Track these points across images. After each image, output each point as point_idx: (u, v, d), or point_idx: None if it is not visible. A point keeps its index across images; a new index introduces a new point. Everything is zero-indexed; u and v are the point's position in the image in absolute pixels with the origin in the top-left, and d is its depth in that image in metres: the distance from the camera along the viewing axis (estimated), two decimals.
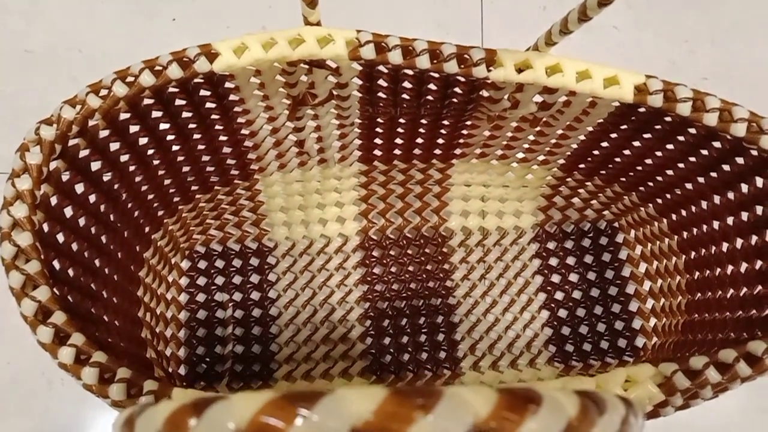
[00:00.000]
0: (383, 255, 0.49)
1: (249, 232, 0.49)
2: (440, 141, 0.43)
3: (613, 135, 0.38)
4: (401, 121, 0.40)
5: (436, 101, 0.36)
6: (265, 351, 0.46)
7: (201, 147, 0.39)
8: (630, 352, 0.47)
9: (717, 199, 0.37)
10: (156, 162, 0.38)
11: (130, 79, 0.30)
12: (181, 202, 0.44)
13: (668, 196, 0.41)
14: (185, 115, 0.35)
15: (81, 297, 0.32)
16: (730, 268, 0.37)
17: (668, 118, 0.33)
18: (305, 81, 0.35)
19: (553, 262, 0.49)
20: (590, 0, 0.26)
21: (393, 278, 0.48)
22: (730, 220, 0.36)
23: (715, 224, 0.38)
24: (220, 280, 0.48)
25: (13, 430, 0.48)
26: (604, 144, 0.40)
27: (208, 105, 0.35)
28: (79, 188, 0.33)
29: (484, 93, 0.34)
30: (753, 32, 0.61)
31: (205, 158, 0.41)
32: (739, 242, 0.36)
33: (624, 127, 0.37)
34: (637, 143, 0.38)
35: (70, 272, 0.31)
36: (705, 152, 0.35)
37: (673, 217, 0.42)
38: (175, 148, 0.38)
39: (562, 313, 0.48)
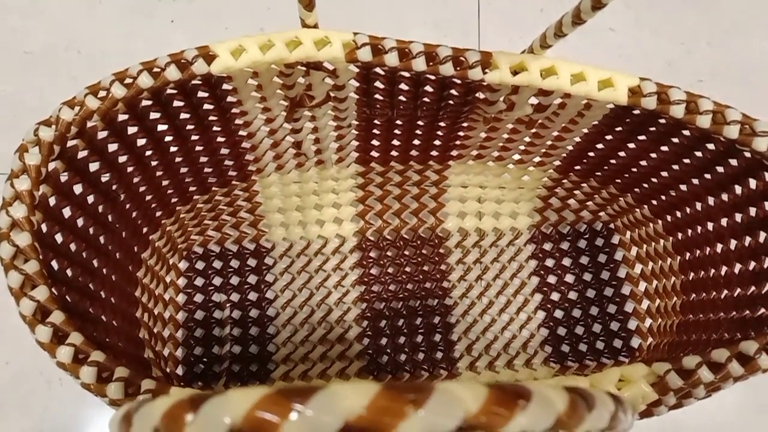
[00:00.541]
0: (380, 256, 0.49)
1: (246, 233, 0.49)
2: (437, 142, 0.43)
3: (608, 137, 0.38)
4: (398, 122, 0.40)
5: (433, 103, 0.36)
6: (263, 351, 0.46)
7: (199, 148, 0.39)
8: (626, 352, 0.47)
9: (711, 200, 0.37)
10: (154, 163, 0.38)
11: (128, 80, 0.30)
12: (179, 202, 0.44)
13: (663, 197, 0.42)
14: (183, 116, 0.36)
15: (79, 297, 0.32)
16: (724, 269, 0.37)
17: (662, 120, 0.34)
18: (302, 83, 0.35)
19: (550, 263, 0.49)
20: (584, 3, 0.26)
21: (390, 279, 0.49)
22: (724, 222, 0.37)
23: (710, 225, 0.38)
24: (217, 281, 0.48)
25: (12, 429, 0.48)
26: (600, 146, 0.40)
27: (206, 106, 0.35)
28: (78, 189, 0.33)
29: (480, 95, 0.35)
30: (749, 33, 0.61)
31: (203, 159, 0.41)
32: (732, 243, 0.36)
33: (619, 129, 0.37)
34: (632, 145, 0.38)
35: (69, 272, 0.32)
36: (699, 154, 0.35)
37: (668, 218, 0.43)
38: (173, 149, 0.38)
39: (558, 313, 0.48)
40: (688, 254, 0.41)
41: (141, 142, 0.36)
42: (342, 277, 0.49)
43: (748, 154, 0.32)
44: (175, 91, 0.33)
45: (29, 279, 0.27)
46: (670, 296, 0.43)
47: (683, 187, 0.39)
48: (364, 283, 0.48)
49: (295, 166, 0.45)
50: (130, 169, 0.37)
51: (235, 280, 0.48)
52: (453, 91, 0.35)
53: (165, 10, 0.61)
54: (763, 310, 0.33)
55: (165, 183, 0.41)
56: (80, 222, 0.34)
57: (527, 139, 0.42)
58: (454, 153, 0.45)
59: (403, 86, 0.35)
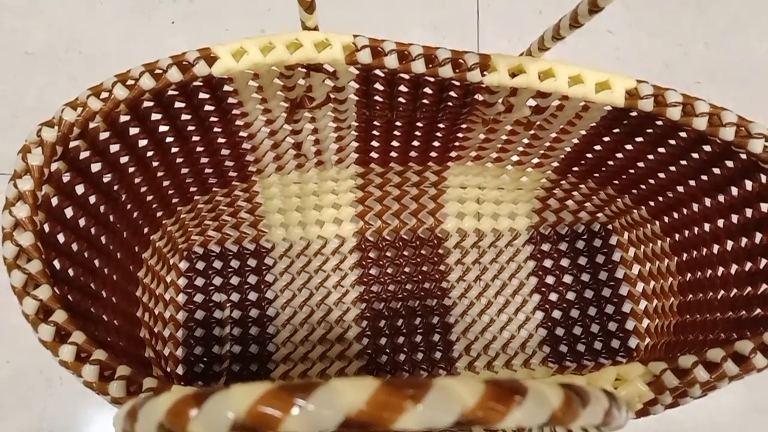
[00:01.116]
0: (380, 256, 0.50)
1: (247, 233, 0.49)
2: (436, 144, 0.43)
3: (606, 138, 0.39)
4: (397, 124, 0.40)
5: (432, 105, 0.37)
6: (263, 351, 0.47)
7: (200, 149, 0.40)
8: (623, 352, 0.47)
9: (708, 201, 0.38)
10: (155, 164, 0.39)
11: (130, 82, 0.31)
12: (180, 203, 0.44)
13: (660, 198, 0.42)
14: (184, 117, 0.36)
15: (81, 296, 0.32)
16: (720, 270, 0.37)
17: (659, 122, 0.34)
18: (303, 84, 0.36)
19: (548, 263, 0.50)
20: (581, 6, 0.26)
21: (389, 279, 0.49)
22: (720, 223, 0.37)
23: (707, 226, 0.38)
24: (218, 281, 0.48)
25: (12, 428, 0.48)
26: (597, 147, 0.40)
27: (207, 108, 0.36)
28: (80, 189, 0.33)
29: (479, 97, 0.35)
30: (746, 34, 0.61)
31: (204, 160, 0.41)
32: (729, 244, 0.37)
33: (616, 130, 0.37)
34: (629, 146, 0.39)
35: (71, 272, 0.32)
36: (696, 156, 0.36)
37: (666, 219, 0.43)
38: (174, 150, 0.39)
39: (557, 314, 0.48)
40: (685, 255, 0.42)
41: (142, 143, 0.36)
42: (341, 277, 0.49)
43: (743, 156, 0.32)
44: (176, 93, 0.33)
45: (32, 278, 0.27)
46: (667, 297, 0.44)
47: (680, 189, 0.39)
48: (363, 283, 0.49)
49: (295, 167, 0.46)
50: (131, 169, 0.37)
51: (235, 280, 0.49)
52: (452, 93, 0.35)
53: (165, 11, 0.61)
54: (759, 310, 0.33)
55: (166, 183, 0.41)
56: (82, 222, 0.34)
57: (526, 141, 0.42)
58: (453, 154, 0.45)
59: (403, 88, 0.35)
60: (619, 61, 0.60)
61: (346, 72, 0.33)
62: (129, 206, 0.39)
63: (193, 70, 0.30)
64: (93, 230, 0.35)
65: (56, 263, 0.31)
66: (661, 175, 0.40)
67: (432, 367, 0.47)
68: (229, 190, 0.46)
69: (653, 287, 0.46)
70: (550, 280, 0.49)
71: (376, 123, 0.40)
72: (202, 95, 0.34)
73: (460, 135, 0.42)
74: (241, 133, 0.40)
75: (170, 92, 0.33)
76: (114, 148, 0.34)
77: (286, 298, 0.48)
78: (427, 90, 0.35)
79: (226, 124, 0.38)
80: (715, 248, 0.38)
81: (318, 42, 0.31)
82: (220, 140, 0.40)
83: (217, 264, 0.49)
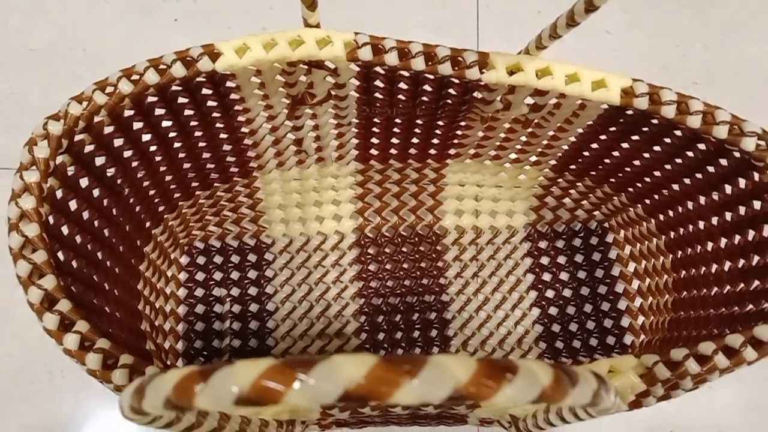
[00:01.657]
0: (378, 252, 0.50)
1: (247, 228, 0.50)
2: (435, 141, 0.44)
3: (603, 137, 0.39)
4: (397, 121, 0.41)
5: (431, 102, 0.37)
6: (262, 345, 0.47)
7: (202, 144, 0.40)
8: (618, 349, 0.48)
9: (702, 199, 0.38)
10: (158, 158, 0.39)
11: (135, 77, 0.31)
12: (182, 198, 0.45)
13: (656, 196, 0.43)
14: (187, 112, 0.36)
15: (84, 288, 0.33)
16: (714, 267, 0.38)
17: (655, 121, 0.35)
18: (304, 81, 0.36)
19: (545, 260, 0.50)
20: (578, 5, 0.27)
21: (388, 275, 0.49)
22: (714, 220, 0.38)
23: (701, 224, 0.39)
24: (218, 276, 0.49)
25: (14, 419, 0.49)
26: (594, 145, 0.41)
27: (210, 103, 0.36)
28: (84, 182, 0.34)
29: (477, 94, 0.36)
30: (744, 36, 0.62)
31: (206, 155, 0.42)
32: (723, 241, 0.37)
33: (613, 129, 0.38)
34: (625, 145, 0.39)
35: (74, 264, 0.32)
36: (690, 154, 0.36)
37: (661, 217, 0.44)
38: (176, 145, 0.39)
39: (553, 310, 0.49)
40: (680, 252, 0.42)
41: (146, 137, 0.37)
42: (340, 273, 0.49)
43: (737, 154, 0.32)
44: (180, 88, 0.34)
45: (37, 268, 0.27)
46: (662, 294, 0.44)
47: (675, 187, 0.40)
48: (362, 279, 0.49)
49: (296, 163, 0.46)
50: (134, 163, 0.38)
51: (235, 275, 0.49)
52: (451, 91, 0.35)
53: (168, 9, 0.61)
54: (750, 306, 0.33)
55: (168, 178, 0.42)
56: (86, 215, 0.34)
57: (523, 139, 0.43)
58: (452, 152, 0.46)
59: (403, 85, 0.35)
60: (617, 62, 0.61)
61: (347, 69, 0.34)
62: (132, 200, 0.39)
63: (197, 65, 0.31)
64: (96, 223, 0.35)
65: (60, 255, 0.31)
66: (657, 173, 0.40)
67: None
68: (231, 186, 0.46)
69: (648, 284, 0.47)
70: (546, 277, 0.50)
71: (376, 120, 0.41)
72: (205, 91, 0.35)
73: (458, 132, 0.42)
74: (243, 129, 0.40)
75: (174, 87, 0.33)
76: (118, 142, 0.35)
77: (285, 293, 0.49)
78: (427, 87, 0.35)
79: (229, 119, 0.38)
80: (709, 246, 0.38)
81: (320, 39, 0.31)
82: (222, 136, 0.40)
83: (218, 259, 0.49)
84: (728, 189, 0.36)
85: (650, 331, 0.46)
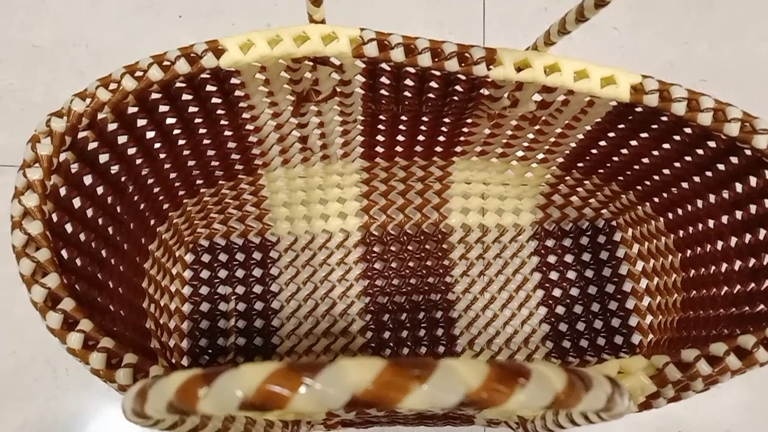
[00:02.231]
0: (384, 251, 0.50)
1: (252, 226, 0.50)
2: (441, 138, 0.43)
3: (611, 134, 0.39)
4: (403, 118, 0.40)
5: (438, 99, 0.37)
6: (267, 343, 0.47)
7: (206, 142, 0.40)
8: (626, 349, 0.47)
9: (712, 198, 0.38)
10: (162, 156, 0.39)
11: (138, 73, 0.31)
12: (186, 195, 0.44)
13: (665, 195, 0.42)
14: (191, 109, 0.36)
15: (88, 286, 0.32)
16: (724, 266, 0.37)
17: (664, 118, 0.34)
18: (309, 78, 0.36)
19: (552, 259, 0.50)
20: (587, 1, 0.26)
21: (393, 274, 0.49)
22: (724, 219, 0.37)
23: (710, 223, 0.39)
24: (223, 274, 0.49)
25: (18, 416, 0.49)
26: (602, 143, 0.40)
27: (214, 100, 0.36)
28: (88, 180, 0.34)
29: (485, 91, 0.35)
30: (751, 33, 0.61)
31: (210, 153, 0.41)
32: (732, 240, 0.37)
33: (621, 126, 0.37)
34: (634, 142, 0.39)
35: (78, 262, 0.32)
36: (700, 152, 0.36)
37: (670, 215, 0.43)
38: (181, 142, 0.39)
39: (560, 309, 0.49)
40: (689, 251, 0.42)
41: (150, 134, 0.36)
42: (346, 271, 0.49)
43: (748, 152, 0.32)
44: (184, 85, 0.33)
45: (40, 266, 0.27)
46: (670, 293, 0.44)
47: (685, 185, 0.40)
48: (367, 277, 0.49)
49: (301, 161, 0.46)
50: (138, 161, 0.37)
51: (240, 273, 0.49)
52: (458, 87, 0.35)
53: (172, 6, 0.61)
54: (762, 306, 0.33)
55: (172, 176, 0.41)
56: (89, 213, 0.34)
57: (531, 136, 0.42)
58: (458, 149, 0.45)
59: (409, 82, 0.35)
60: (624, 59, 0.60)
61: (353, 65, 0.33)
62: (136, 198, 0.39)
63: (201, 62, 0.31)
64: (100, 221, 0.35)
65: (64, 253, 0.31)
66: (666, 171, 0.40)
67: None
68: (235, 183, 0.46)
69: (657, 283, 0.46)
70: (553, 275, 0.49)
71: (381, 117, 0.40)
72: (209, 88, 0.34)
73: (465, 130, 0.42)
74: (248, 126, 0.40)
75: (178, 84, 0.33)
76: (122, 139, 0.35)
77: (290, 291, 0.49)
78: (433, 84, 0.35)
79: (233, 117, 0.38)
80: (719, 244, 0.38)
81: (325, 35, 0.31)
82: (227, 133, 0.40)
83: (223, 257, 0.49)
84: (739, 187, 0.35)
85: (659, 330, 0.45)
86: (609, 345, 0.48)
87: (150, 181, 0.40)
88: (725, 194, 0.36)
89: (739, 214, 0.36)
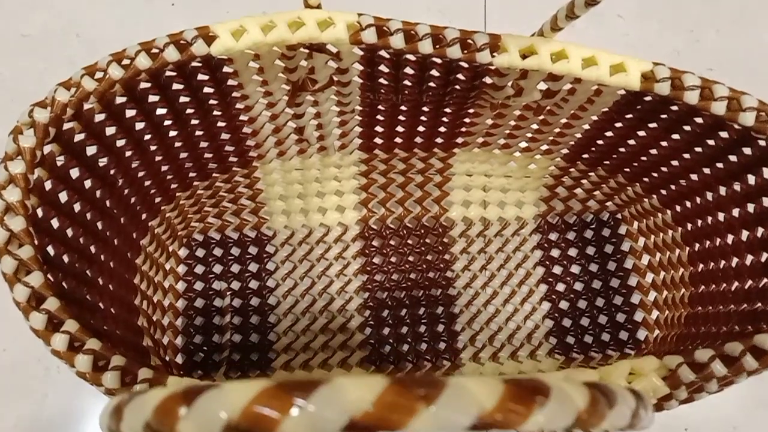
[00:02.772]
0: (383, 245, 0.48)
1: (247, 220, 0.48)
2: (442, 129, 0.42)
3: (618, 124, 0.38)
4: (403, 108, 0.39)
5: (439, 88, 0.35)
6: (263, 340, 0.46)
7: (199, 133, 0.39)
8: (632, 344, 0.46)
9: (723, 190, 0.36)
10: (153, 148, 0.37)
11: (126, 61, 0.29)
12: (179, 189, 0.43)
13: (673, 187, 0.41)
14: (183, 99, 0.35)
15: (76, 283, 0.31)
16: (735, 261, 0.36)
17: (675, 107, 0.33)
18: (305, 66, 0.34)
19: (555, 253, 0.49)
20: None
21: (393, 268, 0.48)
22: (735, 212, 0.36)
23: (720, 216, 0.37)
24: (218, 269, 0.48)
25: (11, 415, 0.48)
26: (609, 134, 0.39)
27: (206, 90, 0.35)
28: (75, 173, 0.32)
29: (488, 80, 0.34)
30: (759, 21, 0.60)
31: (203, 145, 0.40)
32: (744, 234, 0.35)
33: (629, 116, 0.36)
34: (642, 133, 0.38)
35: (65, 258, 0.31)
36: (711, 142, 0.34)
37: (678, 208, 0.42)
38: (172, 133, 0.37)
39: (564, 304, 0.47)
40: (697, 245, 0.41)
41: (140, 125, 0.35)
42: (344, 266, 0.48)
43: (762, 143, 0.31)
44: (174, 74, 0.32)
45: (23, 264, 0.26)
46: (678, 288, 0.43)
47: (694, 177, 0.38)
48: (366, 272, 0.48)
49: (297, 153, 0.45)
50: (128, 153, 0.36)
51: (235, 268, 0.48)
52: (460, 76, 0.34)
53: None
54: None
55: (164, 168, 0.40)
56: (77, 207, 0.33)
57: (535, 127, 0.41)
58: (460, 140, 0.44)
59: (409, 70, 0.34)
60: (629, 47, 0.58)
61: (350, 53, 0.32)
62: (126, 191, 0.38)
63: (191, 49, 0.29)
64: (89, 215, 0.34)
65: (50, 249, 0.30)
66: (675, 162, 0.39)
67: (436, 358, 0.46)
68: (230, 176, 0.45)
69: (663, 278, 0.45)
70: (557, 270, 0.48)
71: (380, 107, 0.39)
72: (200, 76, 0.33)
73: (467, 120, 0.40)
74: (242, 117, 0.38)
75: (168, 73, 0.32)
76: (110, 130, 0.33)
77: (287, 287, 0.47)
78: (434, 72, 0.34)
79: (226, 107, 0.37)
80: (730, 238, 0.37)
81: (321, 21, 0.30)
82: (220, 124, 0.38)
83: (218, 251, 0.48)
84: (751, 179, 0.34)
85: (665, 326, 0.44)
86: (614, 341, 0.46)
87: (141, 173, 0.38)
88: (737, 186, 0.35)
89: (751, 207, 0.34)
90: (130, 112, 0.33)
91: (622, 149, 0.40)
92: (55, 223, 0.31)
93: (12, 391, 0.49)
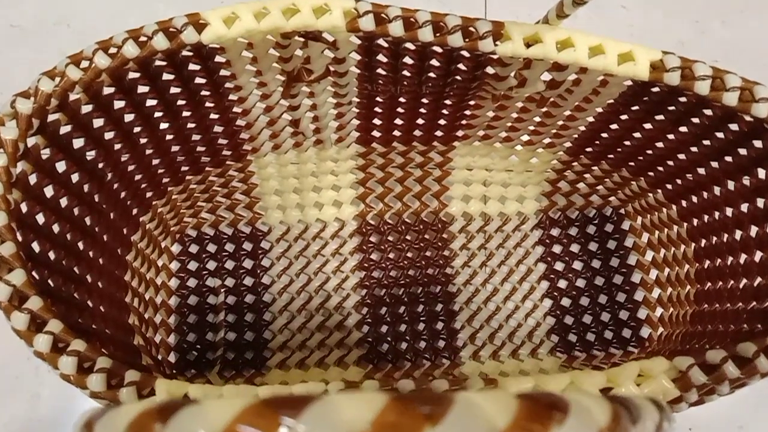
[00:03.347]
0: (381, 240, 0.47)
1: (242, 215, 0.47)
2: (442, 122, 0.41)
3: (624, 117, 0.36)
4: (401, 100, 0.38)
5: (439, 79, 0.34)
6: (258, 338, 0.45)
7: (191, 125, 0.37)
8: (635, 342, 0.45)
9: (731, 184, 0.35)
10: (143, 140, 0.36)
11: (112, 50, 0.28)
12: (171, 183, 0.42)
13: (678, 181, 0.40)
14: (173, 90, 0.34)
15: (63, 281, 0.30)
16: (743, 257, 0.35)
17: (683, 99, 0.32)
18: (300, 55, 0.33)
19: (557, 249, 0.48)
20: None
21: (391, 265, 0.47)
22: (744, 207, 0.35)
23: (728, 211, 0.36)
24: (211, 265, 0.46)
25: (4, 414, 0.47)
26: (614, 126, 0.38)
27: (198, 80, 0.33)
28: (60, 167, 0.31)
29: (490, 70, 0.33)
30: (765, 11, 0.59)
31: (196, 137, 0.39)
32: (753, 230, 0.34)
33: (636, 108, 0.35)
34: (648, 126, 0.36)
35: (51, 255, 0.30)
36: (721, 135, 0.33)
37: (683, 203, 0.41)
38: (163, 126, 0.36)
39: (566, 302, 0.46)
40: (703, 241, 0.39)
41: (129, 117, 0.34)
42: (341, 262, 0.47)
43: None
44: (164, 63, 0.31)
45: (5, 262, 0.25)
46: (683, 285, 0.42)
47: (701, 171, 0.37)
48: (364, 268, 0.47)
49: (293, 146, 0.43)
50: (117, 146, 0.35)
51: (230, 265, 0.47)
52: (461, 66, 0.32)
53: None
54: None
55: (155, 162, 0.39)
56: (64, 202, 0.32)
57: (537, 119, 0.40)
58: (460, 133, 0.43)
59: (408, 60, 0.33)
60: (632, 38, 0.56)
61: (347, 41, 0.31)
62: (116, 186, 0.36)
63: (180, 37, 0.28)
64: (76, 211, 0.33)
65: (35, 246, 0.29)
66: (682, 156, 0.37)
67: (435, 357, 0.45)
68: (223, 170, 0.43)
69: (668, 274, 0.44)
70: (559, 266, 0.47)
71: (378, 99, 0.38)
72: (192, 66, 0.32)
73: (467, 112, 0.39)
74: (235, 109, 0.37)
75: (158, 63, 0.31)
76: (98, 122, 0.32)
77: (283, 284, 0.46)
78: (434, 62, 0.32)
79: (219, 98, 0.36)
80: (738, 234, 0.36)
81: (316, 7, 0.28)
82: (213, 116, 0.37)
83: (211, 247, 0.47)
84: (761, 173, 0.33)
85: (670, 323, 0.43)
86: (617, 338, 0.45)
87: (131, 167, 0.37)
88: (746, 181, 0.34)
89: (761, 202, 0.33)
90: (118, 104, 0.32)
91: (627, 142, 0.39)
92: (40, 218, 0.29)
93: (3, 391, 0.47)
